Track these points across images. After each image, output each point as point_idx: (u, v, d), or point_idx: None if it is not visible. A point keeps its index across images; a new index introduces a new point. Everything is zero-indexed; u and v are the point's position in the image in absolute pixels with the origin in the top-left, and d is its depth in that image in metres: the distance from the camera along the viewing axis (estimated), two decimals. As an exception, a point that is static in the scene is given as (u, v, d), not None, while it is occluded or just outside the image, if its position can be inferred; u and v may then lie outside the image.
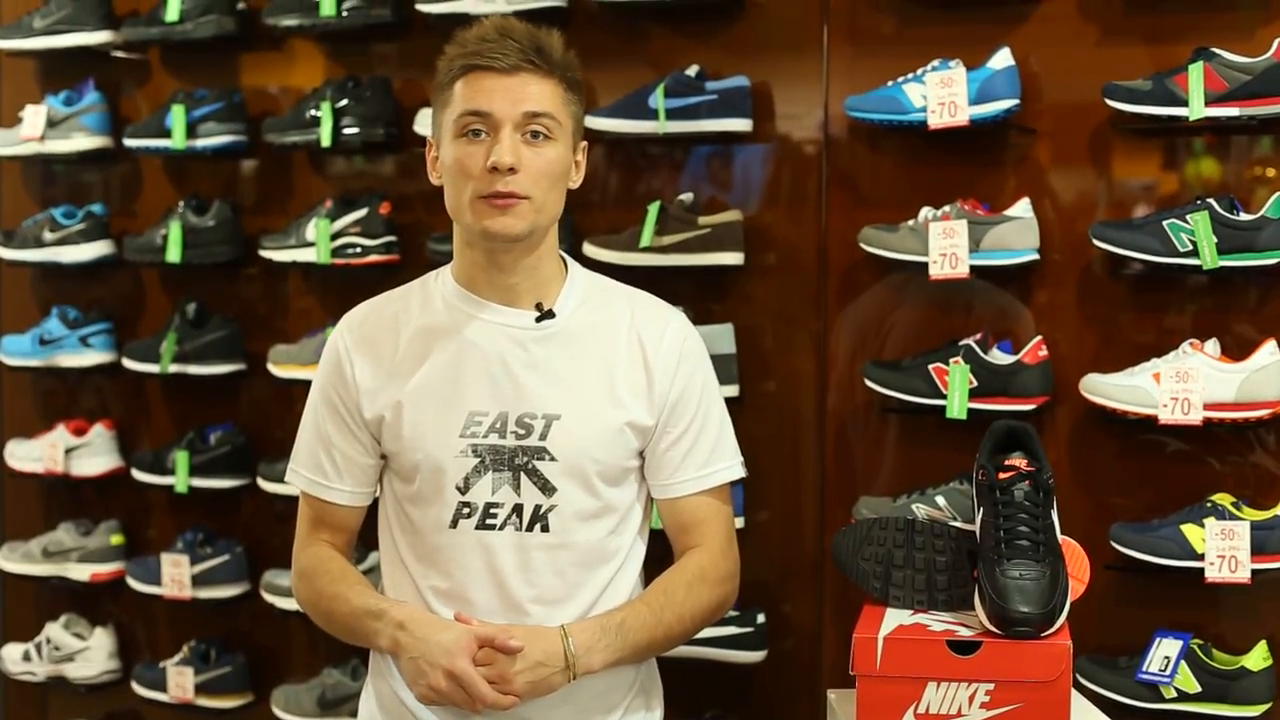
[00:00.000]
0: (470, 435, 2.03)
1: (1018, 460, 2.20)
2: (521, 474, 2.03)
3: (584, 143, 2.14)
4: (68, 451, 3.67)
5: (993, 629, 2.02)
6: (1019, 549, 2.05)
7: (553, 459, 2.03)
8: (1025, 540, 2.06)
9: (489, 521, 2.04)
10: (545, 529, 2.05)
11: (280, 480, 3.37)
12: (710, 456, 2.18)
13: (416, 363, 2.06)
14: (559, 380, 2.06)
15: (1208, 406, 2.64)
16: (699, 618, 2.14)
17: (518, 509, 2.04)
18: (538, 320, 2.07)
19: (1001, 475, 2.15)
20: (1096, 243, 2.75)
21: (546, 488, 2.04)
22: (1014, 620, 1.99)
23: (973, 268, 2.81)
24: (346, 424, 2.10)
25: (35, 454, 3.71)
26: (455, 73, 2.03)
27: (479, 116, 2.00)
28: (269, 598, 3.45)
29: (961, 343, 2.85)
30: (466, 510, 2.03)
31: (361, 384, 2.08)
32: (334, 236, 3.36)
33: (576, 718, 2.08)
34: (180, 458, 3.52)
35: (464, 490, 2.03)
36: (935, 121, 2.83)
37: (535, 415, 2.04)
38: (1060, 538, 2.15)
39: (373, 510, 2.23)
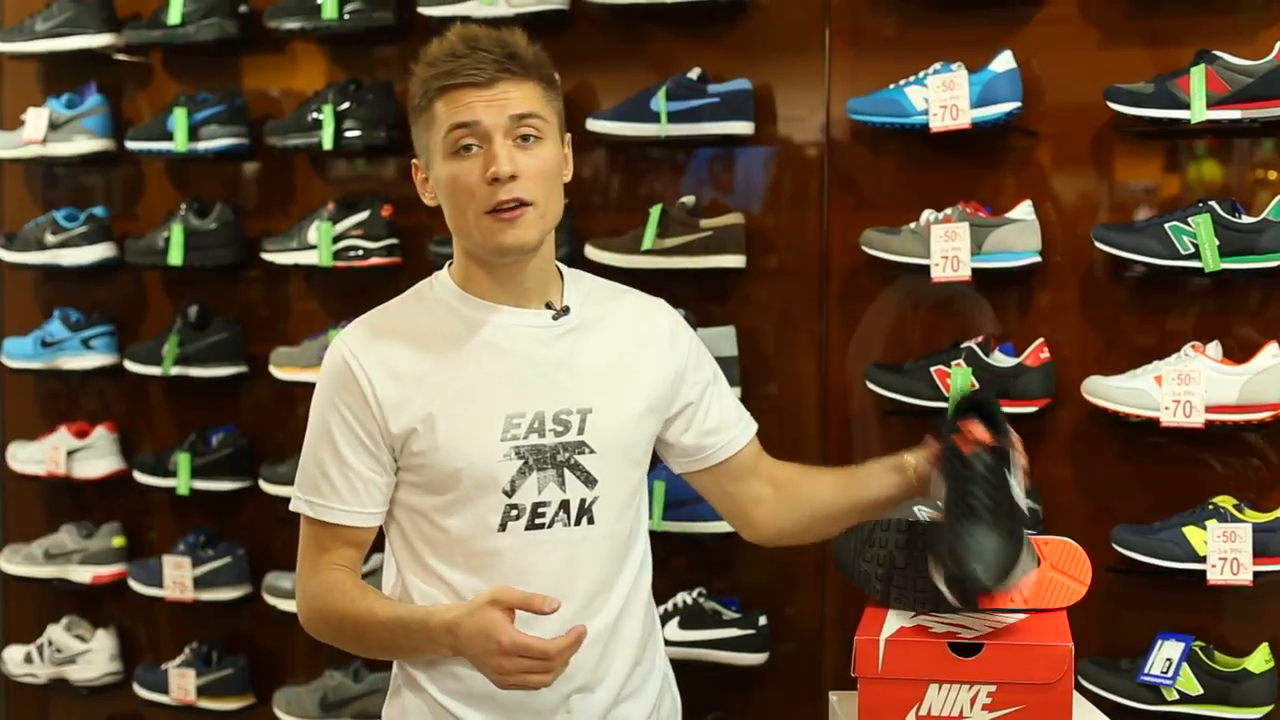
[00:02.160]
0: (511, 438, 2.03)
1: (975, 426, 2.16)
2: (565, 470, 2.04)
3: (568, 135, 2.14)
4: (69, 454, 3.67)
5: (947, 591, 2.01)
6: (976, 515, 2.03)
7: (592, 451, 2.05)
8: (981, 505, 2.04)
9: (538, 521, 2.04)
10: (591, 521, 2.06)
11: (282, 482, 3.37)
12: (740, 408, 2.27)
13: (441, 372, 2.04)
14: (585, 373, 2.08)
15: (1210, 409, 2.64)
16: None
17: (564, 505, 2.05)
18: (555, 318, 2.08)
19: (960, 441, 2.12)
20: (1098, 245, 2.76)
21: (589, 480, 2.06)
22: (968, 580, 1.97)
23: (974, 270, 2.82)
24: (364, 444, 2.04)
25: (37, 456, 3.72)
26: (432, 93, 2.00)
27: (467, 128, 1.98)
28: (271, 600, 3.45)
29: (963, 345, 2.85)
30: (514, 512, 2.03)
31: (384, 400, 2.02)
32: (336, 239, 3.35)
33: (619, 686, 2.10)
34: (182, 460, 3.52)
35: (510, 493, 2.03)
36: (937, 124, 2.83)
37: (570, 411, 2.05)
38: (1060, 538, 2.15)
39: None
